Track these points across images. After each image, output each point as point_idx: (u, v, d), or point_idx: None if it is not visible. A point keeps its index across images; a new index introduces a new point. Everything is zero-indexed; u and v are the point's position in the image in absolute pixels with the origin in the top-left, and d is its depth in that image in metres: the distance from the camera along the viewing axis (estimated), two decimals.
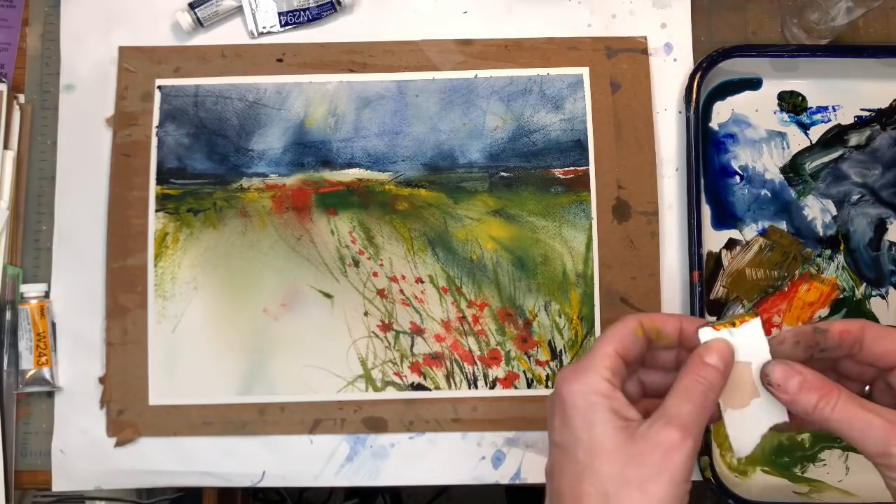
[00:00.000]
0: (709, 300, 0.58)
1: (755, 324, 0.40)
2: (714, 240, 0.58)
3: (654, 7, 0.60)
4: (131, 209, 0.58)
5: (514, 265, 0.58)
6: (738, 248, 0.58)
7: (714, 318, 0.48)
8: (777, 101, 0.60)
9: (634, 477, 0.36)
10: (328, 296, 0.57)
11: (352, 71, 0.59)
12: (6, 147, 0.58)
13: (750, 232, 0.59)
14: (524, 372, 0.57)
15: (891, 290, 0.58)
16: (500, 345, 0.57)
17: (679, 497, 0.36)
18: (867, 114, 0.60)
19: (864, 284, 0.58)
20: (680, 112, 0.59)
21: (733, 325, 0.40)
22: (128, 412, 0.56)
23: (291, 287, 0.57)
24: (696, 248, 0.56)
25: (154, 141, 0.58)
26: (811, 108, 0.60)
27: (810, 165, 0.59)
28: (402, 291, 0.57)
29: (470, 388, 0.57)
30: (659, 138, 0.59)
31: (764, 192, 0.59)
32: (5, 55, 0.60)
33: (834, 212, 0.59)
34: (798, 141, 0.59)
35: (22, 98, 0.59)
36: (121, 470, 0.56)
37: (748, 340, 0.40)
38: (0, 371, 0.56)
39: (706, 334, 0.40)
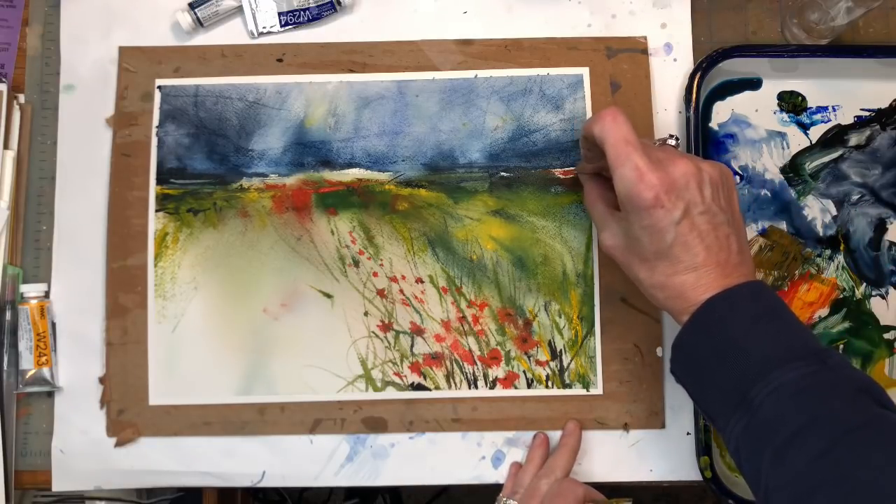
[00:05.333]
0: None
1: None
2: None
3: (654, 7, 0.60)
4: (131, 209, 0.58)
5: (514, 265, 0.58)
6: None
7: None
8: (777, 101, 0.60)
9: None
10: (328, 296, 0.57)
11: (352, 71, 0.59)
12: (6, 147, 0.58)
13: (750, 232, 0.58)
14: (524, 372, 0.57)
15: (891, 290, 0.58)
16: (500, 345, 0.57)
17: None
18: (867, 114, 0.59)
19: (864, 284, 0.58)
20: (680, 112, 0.59)
21: None
22: (128, 412, 0.56)
23: (291, 287, 0.57)
24: None
25: (154, 141, 0.58)
26: (811, 108, 0.60)
27: (810, 165, 0.59)
28: (402, 291, 0.57)
29: (470, 388, 0.57)
30: None
31: (764, 192, 0.59)
32: (5, 55, 0.60)
33: (834, 212, 0.59)
34: (798, 141, 0.59)
35: (22, 98, 0.59)
36: (121, 470, 0.56)
37: None
38: (0, 371, 0.56)
39: None
